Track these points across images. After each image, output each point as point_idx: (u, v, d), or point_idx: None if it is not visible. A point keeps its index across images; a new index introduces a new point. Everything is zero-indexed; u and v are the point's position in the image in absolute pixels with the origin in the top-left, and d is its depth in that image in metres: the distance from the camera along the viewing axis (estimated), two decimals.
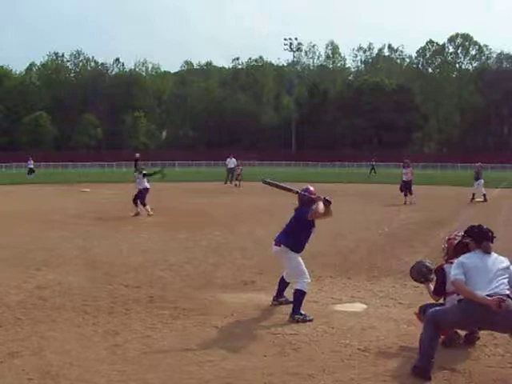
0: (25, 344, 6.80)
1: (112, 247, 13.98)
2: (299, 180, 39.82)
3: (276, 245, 8.23)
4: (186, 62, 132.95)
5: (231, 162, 41.25)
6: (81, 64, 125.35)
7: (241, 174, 39.58)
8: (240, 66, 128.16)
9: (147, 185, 20.99)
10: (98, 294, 9.18)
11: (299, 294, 7.95)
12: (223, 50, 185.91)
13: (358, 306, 8.64)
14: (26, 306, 8.48)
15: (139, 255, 12.79)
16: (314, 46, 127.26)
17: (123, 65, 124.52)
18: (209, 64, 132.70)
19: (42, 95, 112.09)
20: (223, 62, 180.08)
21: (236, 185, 38.40)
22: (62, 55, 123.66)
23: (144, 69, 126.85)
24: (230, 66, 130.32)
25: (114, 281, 10.11)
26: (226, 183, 40.13)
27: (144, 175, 21.03)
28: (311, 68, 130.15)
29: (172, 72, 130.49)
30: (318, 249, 12.05)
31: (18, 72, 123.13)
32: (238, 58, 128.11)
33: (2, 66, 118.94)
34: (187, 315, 7.99)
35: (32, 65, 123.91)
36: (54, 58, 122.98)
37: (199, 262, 11.89)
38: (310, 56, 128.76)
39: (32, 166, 57.14)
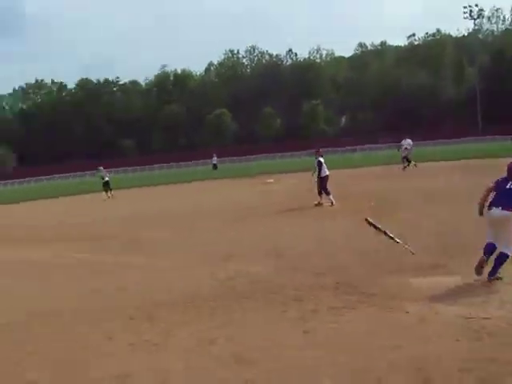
0: (220, 332, 7.10)
1: (295, 236, 14.15)
2: (488, 156, 37.90)
3: (506, 209, 8.43)
4: (360, 45, 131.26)
5: (406, 143, 38.73)
6: (256, 59, 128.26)
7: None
8: (416, 42, 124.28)
9: (327, 172, 21.01)
10: (285, 282, 9.30)
11: (504, 258, 8.30)
12: (397, 27, 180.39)
13: None
14: (219, 296, 8.80)
15: (324, 243, 12.81)
16: (497, 10, 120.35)
17: (296, 55, 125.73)
18: (383, 44, 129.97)
19: (222, 93, 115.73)
20: (399, 40, 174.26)
21: (405, 167, 36.32)
22: (238, 52, 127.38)
23: (318, 56, 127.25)
24: (406, 43, 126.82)
25: (299, 269, 10.19)
26: (404, 168, 37.78)
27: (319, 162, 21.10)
28: (495, 34, 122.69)
29: (346, 56, 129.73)
30: None
31: (198, 73, 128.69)
32: (413, 34, 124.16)
33: (183, 69, 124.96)
34: (375, 300, 7.88)
35: (210, 64, 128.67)
36: (230, 55, 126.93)
37: (386, 247, 11.63)
38: (494, 21, 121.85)
39: (216, 162, 59.26)
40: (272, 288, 8.96)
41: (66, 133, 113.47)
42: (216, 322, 7.50)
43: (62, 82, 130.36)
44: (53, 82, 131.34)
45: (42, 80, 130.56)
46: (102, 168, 36.41)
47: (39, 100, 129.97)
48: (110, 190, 35.34)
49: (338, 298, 8.09)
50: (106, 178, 35.64)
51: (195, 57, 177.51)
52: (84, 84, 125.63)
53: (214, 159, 59.88)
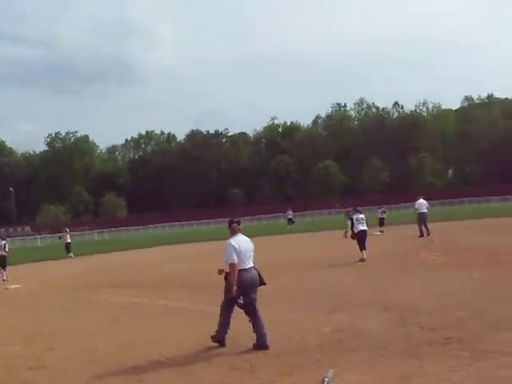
0: None
1: (404, 289, 13.89)
2: None
3: None
4: (467, 98, 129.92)
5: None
6: (363, 111, 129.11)
7: None
8: None
9: (360, 228, 21.05)
10: (392, 336, 9.15)
11: None
12: (503, 80, 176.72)
13: None
14: (324, 347, 8.76)
15: (432, 297, 12.50)
16: None
17: (402, 108, 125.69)
18: (490, 97, 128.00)
19: (329, 145, 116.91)
20: (506, 92, 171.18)
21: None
22: (345, 105, 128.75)
23: (425, 109, 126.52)
24: None
25: (408, 323, 10.02)
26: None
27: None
28: None
29: (453, 109, 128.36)
30: None
31: (305, 125, 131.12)
32: None
33: (291, 122, 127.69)
34: (487, 357, 7.59)
35: (318, 117, 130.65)
36: (338, 108, 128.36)
37: (495, 302, 11.35)
38: None
39: (291, 217, 57.90)
40: (379, 343, 8.80)
41: (174, 182, 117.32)
42: (320, 374, 7.43)
43: (170, 133, 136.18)
44: (162, 132, 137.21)
45: (152, 131, 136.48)
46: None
47: (149, 150, 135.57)
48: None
49: (447, 354, 7.85)
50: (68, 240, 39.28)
51: (302, 109, 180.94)
52: (193, 135, 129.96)
53: (290, 214, 58.09)
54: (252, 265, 9.37)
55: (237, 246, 9.16)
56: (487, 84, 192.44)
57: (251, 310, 9.20)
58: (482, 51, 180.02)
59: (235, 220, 9.63)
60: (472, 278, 14.99)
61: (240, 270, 9.08)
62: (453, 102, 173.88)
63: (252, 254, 9.44)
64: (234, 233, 9.44)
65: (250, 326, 9.22)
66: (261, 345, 9.00)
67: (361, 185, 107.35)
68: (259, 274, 9.43)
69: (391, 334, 9.28)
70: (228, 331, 9.34)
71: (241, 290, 9.11)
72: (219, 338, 9.32)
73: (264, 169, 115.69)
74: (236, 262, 9.06)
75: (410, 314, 10.70)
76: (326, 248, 28.38)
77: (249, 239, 9.56)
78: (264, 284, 9.56)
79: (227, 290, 9.24)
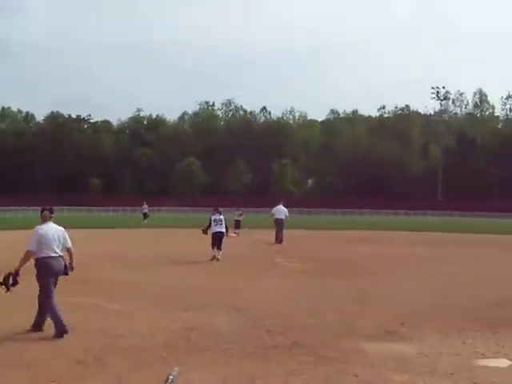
0: None
1: (257, 293, 14.17)
2: (445, 230, 38.84)
3: None
4: (332, 111, 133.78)
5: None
6: (231, 113, 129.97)
7: None
8: (386, 115, 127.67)
9: (217, 229, 21.66)
10: (242, 337, 9.33)
11: None
12: (369, 98, 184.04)
13: (503, 362, 8.26)
14: (172, 345, 8.79)
15: (284, 302, 12.88)
16: (461, 95, 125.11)
17: (270, 113, 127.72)
18: (355, 112, 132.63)
19: (194, 142, 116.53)
20: (369, 110, 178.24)
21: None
22: (213, 104, 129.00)
23: (291, 117, 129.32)
24: (377, 114, 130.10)
25: (259, 326, 10.25)
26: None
27: None
28: (459, 116, 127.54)
29: (319, 120, 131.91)
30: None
31: (171, 120, 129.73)
32: (384, 107, 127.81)
33: (157, 115, 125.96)
34: (328, 363, 7.94)
35: (184, 113, 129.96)
36: (206, 106, 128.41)
37: (343, 310, 11.84)
38: (458, 104, 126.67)
39: (147, 211, 57.57)
40: (228, 342, 8.97)
41: (30, 164, 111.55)
42: (166, 372, 7.44)
43: (28, 112, 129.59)
44: (20, 110, 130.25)
45: (8, 107, 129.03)
46: None
47: (3, 127, 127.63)
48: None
49: (292, 358, 8.12)
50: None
51: (170, 104, 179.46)
52: (53, 117, 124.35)
53: (145, 208, 57.81)
54: (59, 254, 9.57)
55: (43, 232, 9.44)
56: (352, 100, 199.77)
57: (45, 296, 9.45)
58: (344, 68, 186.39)
59: (47, 208, 9.93)
60: (324, 285, 15.56)
61: (46, 257, 9.36)
62: (319, 113, 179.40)
63: (61, 242, 9.61)
64: (44, 220, 9.71)
65: (92, 324, 9.02)
66: (61, 330, 9.19)
67: (224, 185, 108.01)
68: (66, 264, 9.71)
69: (241, 336, 9.47)
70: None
71: (45, 275, 9.44)
72: (38, 325, 9.55)
73: (125, 159, 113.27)
74: (33, 250, 9.35)
75: (262, 318, 10.96)
76: (181, 245, 28.20)
77: (61, 228, 9.77)
78: (66, 274, 9.82)
79: (38, 276, 9.53)
